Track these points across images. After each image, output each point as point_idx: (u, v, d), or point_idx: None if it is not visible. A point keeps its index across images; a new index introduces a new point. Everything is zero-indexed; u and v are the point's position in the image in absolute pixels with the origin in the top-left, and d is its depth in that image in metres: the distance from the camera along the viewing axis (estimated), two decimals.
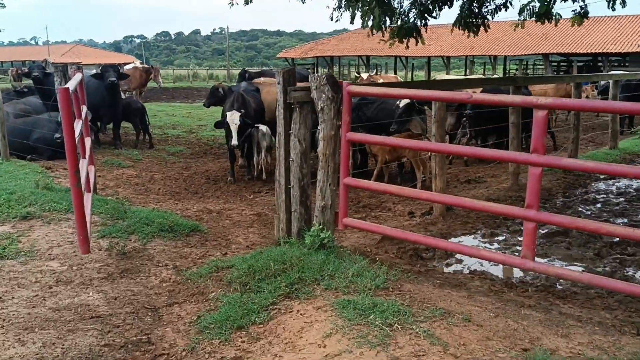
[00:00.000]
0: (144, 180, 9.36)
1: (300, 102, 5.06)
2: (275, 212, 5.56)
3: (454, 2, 8.57)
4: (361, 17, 7.13)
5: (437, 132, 6.57)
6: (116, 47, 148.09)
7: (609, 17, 32.35)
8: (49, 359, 3.49)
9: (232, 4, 7.12)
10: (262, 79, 12.88)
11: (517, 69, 38.36)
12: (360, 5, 7.08)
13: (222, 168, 10.49)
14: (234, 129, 8.95)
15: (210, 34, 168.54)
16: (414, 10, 7.56)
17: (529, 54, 35.99)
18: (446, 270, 5.38)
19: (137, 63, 22.58)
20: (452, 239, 6.24)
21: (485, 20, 8.88)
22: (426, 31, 8.40)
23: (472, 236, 6.37)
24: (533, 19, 9.52)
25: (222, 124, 9.30)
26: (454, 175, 9.83)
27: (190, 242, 6.11)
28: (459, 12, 8.85)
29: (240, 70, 17.24)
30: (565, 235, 6.16)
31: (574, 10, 8.95)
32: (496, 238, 6.27)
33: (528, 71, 39.99)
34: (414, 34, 7.90)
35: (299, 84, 12.04)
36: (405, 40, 8.15)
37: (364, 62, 44.06)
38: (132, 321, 4.15)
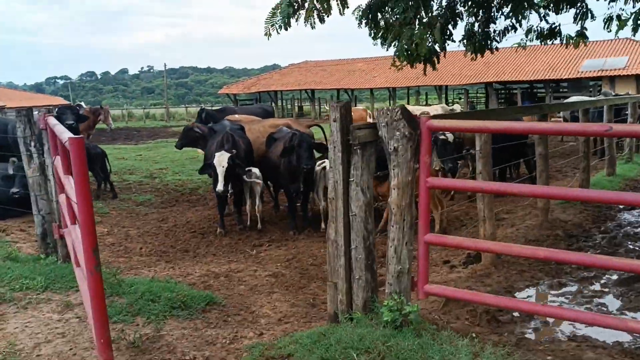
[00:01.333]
0: (119, 239, 8.00)
1: (363, 142, 4.09)
2: (329, 281, 4.49)
3: (458, 23, 7.95)
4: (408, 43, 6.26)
5: (484, 170, 5.74)
6: (38, 88, 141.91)
7: (546, 45, 33.47)
8: None
9: (269, 35, 6.15)
10: (236, 115, 11.79)
11: (461, 99, 39.12)
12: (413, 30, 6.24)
13: (204, 218, 9.27)
14: (220, 172, 7.82)
15: (138, 72, 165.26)
16: (430, 36, 6.80)
17: (472, 83, 36.63)
18: (540, 338, 4.47)
19: (83, 104, 20.85)
20: (517, 294, 5.37)
21: (493, 42, 8.30)
22: (444, 56, 7.70)
23: (538, 289, 5.53)
24: (536, 42, 9.14)
25: (208, 167, 8.15)
26: (463, 212, 9.06)
27: (211, 321, 4.92)
28: (463, 33, 8.26)
29: (198, 110, 15.80)
30: None
31: (577, 32, 8.57)
32: (566, 289, 5.45)
33: (472, 99, 40.78)
34: (432, 58, 7.16)
35: (255, 121, 11.21)
36: (417, 65, 7.40)
37: (309, 95, 43.61)
38: None
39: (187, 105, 55.87)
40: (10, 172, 8.52)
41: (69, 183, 4.02)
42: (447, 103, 39.64)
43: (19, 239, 7.35)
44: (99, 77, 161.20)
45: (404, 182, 4.00)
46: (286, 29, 6.16)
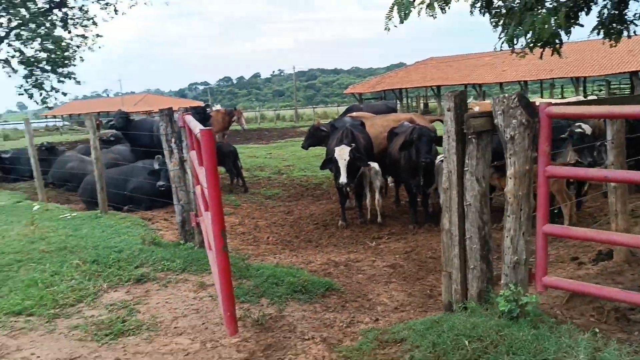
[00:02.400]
0: (249, 229, 8.57)
1: (478, 131, 4.05)
2: (444, 271, 4.50)
3: (592, 7, 7.45)
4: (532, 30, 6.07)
5: (616, 161, 5.38)
6: (181, 94, 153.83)
7: None
8: None
9: (388, 29, 6.33)
10: (354, 113, 12.02)
11: (601, 90, 36.24)
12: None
13: (326, 211, 9.59)
14: (342, 165, 8.05)
15: (270, 76, 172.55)
16: (555, 20, 6.46)
17: (614, 73, 33.76)
18: None
19: (218, 106, 22.41)
20: None
21: (631, 26, 7.67)
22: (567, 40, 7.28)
23: None
24: None
25: (329, 162, 8.43)
26: (597, 208, 8.49)
27: (329, 305, 5.15)
28: (597, 17, 7.72)
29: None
30: None
31: None
32: None
33: (615, 91, 37.58)
34: (555, 42, 6.80)
35: (378, 116, 11.24)
36: (541, 50, 7.06)
37: (435, 92, 42.87)
38: None
39: (314, 106, 57.48)
40: (156, 167, 9.46)
41: (202, 173, 4.45)
42: (584, 95, 36.97)
43: (162, 227, 8.16)
44: (235, 82, 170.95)
45: (521, 171, 3.91)
46: (402, 22, 6.21)
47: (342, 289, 5.57)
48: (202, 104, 54.51)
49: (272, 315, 4.74)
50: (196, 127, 4.36)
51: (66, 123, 61.49)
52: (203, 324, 4.56)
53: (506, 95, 3.91)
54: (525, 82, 37.69)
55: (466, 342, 3.59)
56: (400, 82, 43.46)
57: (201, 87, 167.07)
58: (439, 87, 41.72)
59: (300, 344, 4.27)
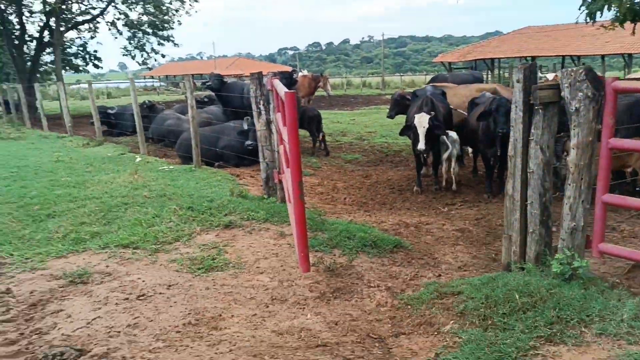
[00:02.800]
0: (327, 190, 9.08)
1: (545, 102, 4.25)
2: (505, 233, 4.78)
3: None
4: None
5: None
6: (271, 59, 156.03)
7: None
8: None
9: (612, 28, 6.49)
10: (437, 82, 12.10)
11: None
12: None
13: (403, 177, 9.91)
14: (421, 132, 8.31)
15: (359, 42, 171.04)
16: None
17: None
18: None
19: (305, 72, 22.99)
20: None
21: None
22: None
23: None
24: None
25: (408, 129, 8.71)
26: None
27: (396, 260, 5.56)
28: None
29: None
30: None
31: None
32: None
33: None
34: None
35: (461, 86, 11.22)
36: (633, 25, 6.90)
37: (528, 63, 41.07)
38: (362, 353, 3.65)
39: (402, 74, 56.84)
40: (245, 127, 10.15)
41: (285, 132, 4.94)
42: None
43: (248, 183, 8.85)
44: (324, 47, 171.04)
45: (584, 142, 4.09)
46: None
47: (410, 247, 5.96)
48: (290, 69, 55.53)
49: (343, 264, 5.23)
50: (282, 90, 4.84)
51: (162, 83, 64.70)
52: (281, 266, 5.13)
53: (574, 69, 4.08)
54: (630, 55, 35.34)
55: (517, 296, 3.91)
56: (492, 51, 41.97)
57: (290, 52, 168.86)
58: (533, 57, 39.93)
59: (366, 289, 4.74)
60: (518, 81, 4.36)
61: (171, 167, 10.06)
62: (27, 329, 3.91)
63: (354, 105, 30.36)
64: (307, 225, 6.14)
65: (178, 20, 29.29)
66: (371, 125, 17.73)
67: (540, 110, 4.28)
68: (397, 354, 3.70)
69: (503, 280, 4.29)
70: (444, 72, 42.07)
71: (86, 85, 45.03)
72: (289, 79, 12.65)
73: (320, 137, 12.26)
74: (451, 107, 9.66)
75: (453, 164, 8.77)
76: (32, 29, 28.05)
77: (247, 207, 6.87)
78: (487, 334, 3.67)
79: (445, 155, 8.77)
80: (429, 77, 17.12)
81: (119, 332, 3.79)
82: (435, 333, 3.91)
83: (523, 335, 3.53)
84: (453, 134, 8.84)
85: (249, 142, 9.81)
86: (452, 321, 4.00)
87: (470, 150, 10.33)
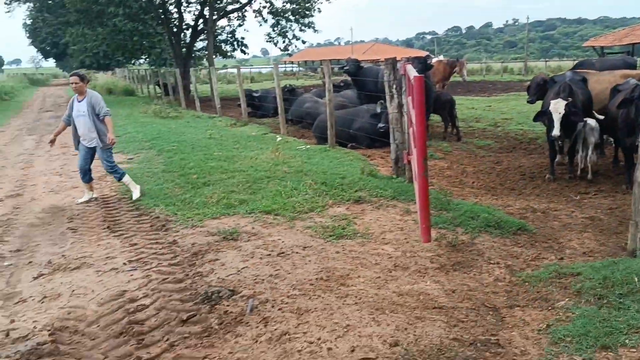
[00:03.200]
0: (456, 173, 9.26)
1: None
2: (632, 220, 4.77)
3: None
4: None
5: None
6: (408, 43, 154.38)
7: None
8: (403, 343, 3.51)
9: None
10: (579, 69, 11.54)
11: None
12: None
13: (536, 164, 9.76)
14: (556, 118, 8.15)
15: (502, 26, 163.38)
16: None
17: None
18: None
19: (441, 57, 22.85)
20: None
21: None
22: None
23: None
24: None
25: (542, 115, 8.57)
26: None
27: (519, 241, 5.71)
28: None
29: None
30: None
31: None
32: None
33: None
34: None
35: (604, 72, 10.56)
36: None
37: None
38: (475, 318, 3.96)
39: (547, 60, 53.65)
40: (378, 110, 10.59)
41: (413, 113, 5.31)
42: None
43: (378, 163, 9.30)
44: (464, 31, 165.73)
45: None
46: None
47: (534, 230, 6.05)
48: (426, 53, 54.83)
49: (464, 241, 5.51)
50: (412, 74, 5.20)
51: (300, 69, 67.09)
52: (405, 239, 5.53)
53: None
54: None
55: (635, 279, 3.98)
56: None
57: (428, 37, 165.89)
58: None
59: (485, 265, 5.00)
60: None
61: (308, 146, 10.81)
62: (191, 271, 4.73)
63: (492, 91, 29.47)
64: (433, 205, 6.50)
65: (318, 8, 30.38)
66: (508, 112, 17.29)
67: None
68: (510, 322, 3.95)
69: (624, 264, 4.33)
70: (595, 56, 39.09)
71: (232, 70, 47.89)
72: (423, 64, 12.82)
73: (453, 122, 12.34)
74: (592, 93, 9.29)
75: (589, 152, 8.50)
76: (189, 17, 30.50)
77: (376, 185, 7.35)
78: (601, 311, 3.81)
79: (581, 143, 8.53)
80: (577, 63, 16.13)
81: (263, 279, 4.46)
82: (549, 308, 4.10)
83: (637, 314, 3.62)
84: (591, 122, 8.55)
85: (381, 125, 10.23)
86: (567, 298, 4.16)
87: (611, 139, 9.86)
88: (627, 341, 3.41)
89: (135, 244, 5.53)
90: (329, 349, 3.43)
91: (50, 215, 6.82)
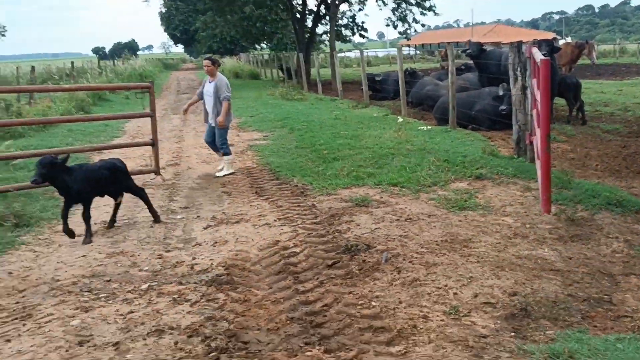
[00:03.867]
0: (579, 156, 9.29)
1: None
2: None
3: None
4: None
5: None
6: (533, 24, 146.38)
7: None
8: (522, 293, 4.00)
9: None
10: None
11: None
12: None
13: None
14: None
15: None
16: None
17: None
18: None
19: (569, 39, 21.99)
20: None
21: None
22: None
23: None
24: None
25: None
26: None
27: None
28: None
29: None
30: None
31: None
32: None
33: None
34: None
35: None
36: None
37: None
38: (590, 281, 4.33)
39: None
40: (500, 93, 10.78)
41: (538, 93, 5.65)
42: None
43: (499, 144, 9.56)
44: (597, 10, 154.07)
45: None
46: None
47: None
48: (552, 35, 52.11)
49: (584, 217, 5.79)
50: (538, 57, 5.54)
51: (418, 52, 66.52)
52: (525, 212, 5.92)
53: None
54: None
55: None
56: None
57: (556, 17, 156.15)
58: None
59: (603, 239, 5.28)
60: None
61: (429, 127, 11.27)
62: (331, 229, 5.50)
63: (624, 74, 27.70)
64: (554, 183, 6.79)
65: None
66: None
67: None
68: (624, 287, 4.29)
69: None
70: None
71: (349, 54, 48.65)
72: (550, 47, 12.69)
73: (578, 105, 12.15)
74: None
75: None
76: (312, 3, 31.64)
77: (496, 163, 7.70)
78: None
79: None
80: None
81: (394, 238, 5.12)
82: None
83: None
84: None
85: (503, 107, 10.42)
86: None
87: None
88: None
89: (281, 206, 6.43)
90: (455, 293, 4.01)
91: (206, 182, 7.96)
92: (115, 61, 40.42)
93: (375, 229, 5.42)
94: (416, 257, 4.67)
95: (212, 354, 3.37)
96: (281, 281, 4.42)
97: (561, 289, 4.13)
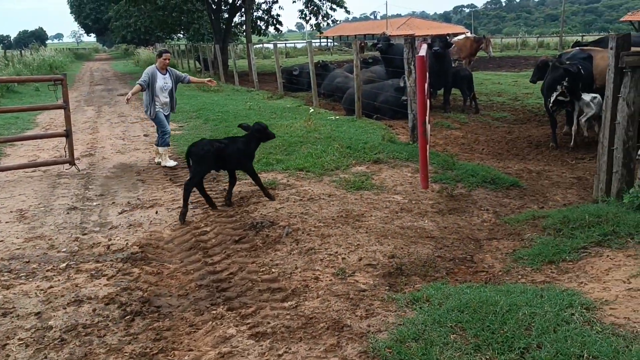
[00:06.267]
0: (469, 141, 10.32)
1: (633, 66, 5.21)
2: (596, 173, 5.83)
3: None
4: None
5: None
6: (446, 17, 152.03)
7: None
8: (399, 256, 4.73)
9: None
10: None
11: None
12: None
13: (545, 134, 10.72)
14: (553, 95, 9.27)
15: None
16: None
17: None
18: None
19: (468, 34, 23.53)
20: None
21: None
22: None
23: None
24: None
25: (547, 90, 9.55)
26: None
27: (510, 195, 6.82)
28: None
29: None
30: None
31: None
32: None
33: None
34: None
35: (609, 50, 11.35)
36: None
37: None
38: (458, 245, 5.14)
39: (583, 34, 52.91)
40: (401, 85, 11.66)
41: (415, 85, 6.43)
42: None
43: (399, 132, 10.43)
44: (503, 4, 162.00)
45: None
46: None
47: (525, 187, 7.14)
48: (464, 29, 54.83)
49: (462, 193, 6.67)
50: (419, 53, 6.31)
51: (335, 43, 67.71)
52: (412, 191, 6.71)
53: None
54: None
55: (586, 216, 5.09)
56: None
57: (467, 10, 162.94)
58: None
59: (476, 211, 6.15)
60: (611, 48, 5.35)
61: (337, 117, 11.98)
62: (239, 210, 6.03)
63: (522, 66, 29.89)
64: (439, 165, 7.66)
65: None
66: (532, 87, 17.94)
67: (629, 73, 5.25)
68: (486, 248, 5.13)
69: (583, 208, 5.43)
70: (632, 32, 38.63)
71: (267, 45, 48.70)
72: (444, 43, 13.75)
73: (471, 95, 13.30)
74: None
75: (583, 123, 9.39)
76: None
77: (394, 149, 8.50)
78: (556, 239, 4.94)
79: (576, 116, 9.46)
80: (599, 39, 16.54)
81: (296, 216, 5.72)
82: (519, 239, 5.26)
83: (581, 240, 4.75)
84: (587, 97, 9.41)
85: (404, 98, 11.29)
86: (534, 233, 5.30)
87: None
88: (567, 257, 4.54)
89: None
90: (343, 258, 4.67)
91: (121, 171, 8.23)
92: (23, 51, 38.48)
93: (280, 208, 6.00)
94: (313, 230, 5.30)
95: (128, 317, 3.83)
96: (192, 256, 4.91)
97: (433, 252, 4.90)
